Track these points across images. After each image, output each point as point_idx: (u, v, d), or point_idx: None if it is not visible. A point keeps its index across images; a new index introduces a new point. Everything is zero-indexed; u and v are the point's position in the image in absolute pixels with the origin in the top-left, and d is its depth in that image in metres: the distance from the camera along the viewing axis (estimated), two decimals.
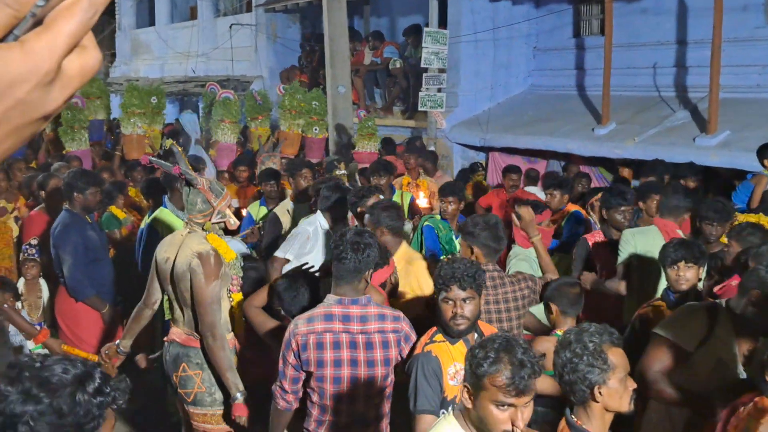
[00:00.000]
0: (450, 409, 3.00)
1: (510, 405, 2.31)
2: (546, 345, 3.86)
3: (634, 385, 2.64)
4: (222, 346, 3.90)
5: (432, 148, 10.93)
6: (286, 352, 3.34)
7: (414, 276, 4.53)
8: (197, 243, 3.96)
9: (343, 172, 7.57)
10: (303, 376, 3.36)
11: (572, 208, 6.58)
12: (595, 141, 9.93)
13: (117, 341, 4.45)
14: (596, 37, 11.31)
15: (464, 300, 3.21)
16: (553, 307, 3.97)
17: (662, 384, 3.29)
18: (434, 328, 3.33)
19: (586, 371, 2.52)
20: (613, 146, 9.64)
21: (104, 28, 23.17)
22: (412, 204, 7.21)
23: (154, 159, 5.18)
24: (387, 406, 3.50)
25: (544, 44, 12.47)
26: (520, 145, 10.91)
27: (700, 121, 9.18)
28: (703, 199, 5.73)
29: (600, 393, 2.53)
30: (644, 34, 10.32)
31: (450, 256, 3.96)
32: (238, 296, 4.25)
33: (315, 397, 3.37)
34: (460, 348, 3.22)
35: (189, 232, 4.05)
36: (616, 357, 2.59)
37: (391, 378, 3.46)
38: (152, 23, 20.28)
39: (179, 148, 4.15)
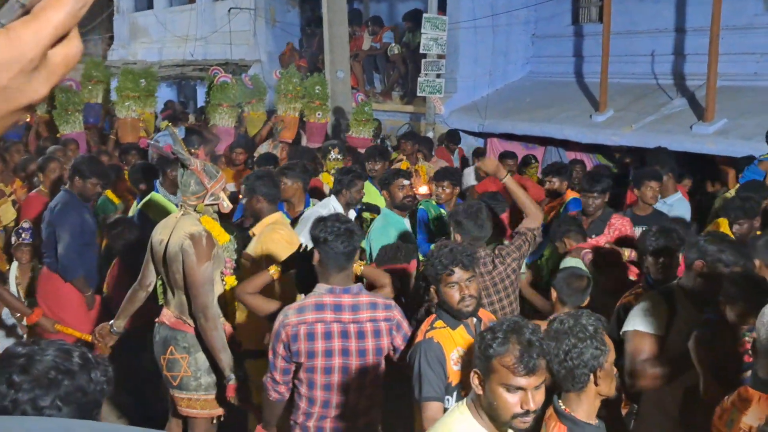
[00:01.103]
0: (461, 400, 3.03)
1: (520, 388, 2.30)
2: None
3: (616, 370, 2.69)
4: (215, 326, 3.88)
5: (430, 134, 10.95)
6: (275, 344, 3.28)
7: (264, 242, 4.50)
8: (190, 224, 3.95)
9: (337, 157, 7.53)
10: (294, 367, 3.32)
11: (571, 195, 6.60)
12: (593, 128, 9.95)
13: (111, 321, 4.45)
14: (594, 24, 11.31)
15: (468, 280, 3.21)
16: (553, 294, 3.95)
17: (650, 371, 3.33)
18: (433, 316, 3.31)
19: (591, 355, 2.54)
20: (611, 133, 9.65)
21: (102, 11, 23.08)
22: None
23: (151, 143, 5.20)
24: (379, 396, 3.46)
25: (543, 31, 12.46)
26: (518, 131, 10.92)
27: (698, 108, 9.19)
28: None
29: (598, 376, 2.57)
30: (642, 21, 10.32)
31: (440, 242, 3.94)
32: (231, 279, 4.26)
33: (303, 389, 3.32)
34: (462, 333, 3.23)
35: (183, 214, 4.05)
36: (607, 339, 2.64)
37: (383, 367, 3.42)
38: (150, 6, 20.17)
39: (174, 129, 4.15)
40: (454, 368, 3.17)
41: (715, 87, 8.83)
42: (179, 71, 16.88)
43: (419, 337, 3.24)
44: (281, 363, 3.29)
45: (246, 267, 4.59)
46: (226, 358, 3.90)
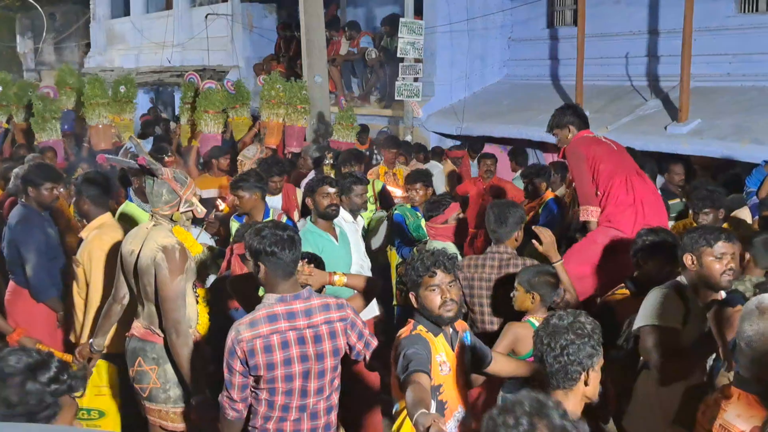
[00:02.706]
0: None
1: None
2: (521, 331, 3.94)
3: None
4: (185, 343, 3.81)
5: (409, 137, 11.01)
6: (231, 360, 3.17)
7: (90, 247, 4.51)
8: (163, 236, 3.87)
9: (329, 162, 7.61)
10: (251, 381, 3.22)
11: (549, 195, 6.69)
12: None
13: (90, 340, 4.35)
14: (569, 27, 11.43)
15: (449, 284, 3.14)
16: (536, 296, 3.97)
17: (673, 364, 3.37)
18: (411, 321, 3.21)
19: (587, 353, 2.55)
20: None
21: (79, 19, 22.96)
22: (384, 191, 7.22)
23: (111, 157, 5.12)
24: (336, 397, 3.41)
25: (519, 35, 12.58)
26: (496, 134, 11.00)
27: (672, 109, 9.31)
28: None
29: (589, 376, 2.58)
30: (616, 24, 10.44)
31: (419, 247, 3.94)
32: (203, 291, 4.18)
33: (263, 395, 3.23)
34: (442, 341, 3.18)
35: (154, 225, 3.95)
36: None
37: (339, 369, 3.38)
38: (127, 13, 20.10)
39: (138, 141, 4.08)
40: (439, 370, 3.11)
41: (689, 88, 8.96)
42: (156, 78, 16.84)
43: (402, 337, 3.14)
44: (239, 379, 3.18)
45: (76, 271, 4.58)
46: (194, 375, 3.83)
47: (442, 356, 3.15)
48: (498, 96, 12.17)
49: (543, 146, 10.49)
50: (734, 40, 9.50)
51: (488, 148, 10.64)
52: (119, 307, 4.19)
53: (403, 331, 3.19)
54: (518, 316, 4.13)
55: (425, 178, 6.39)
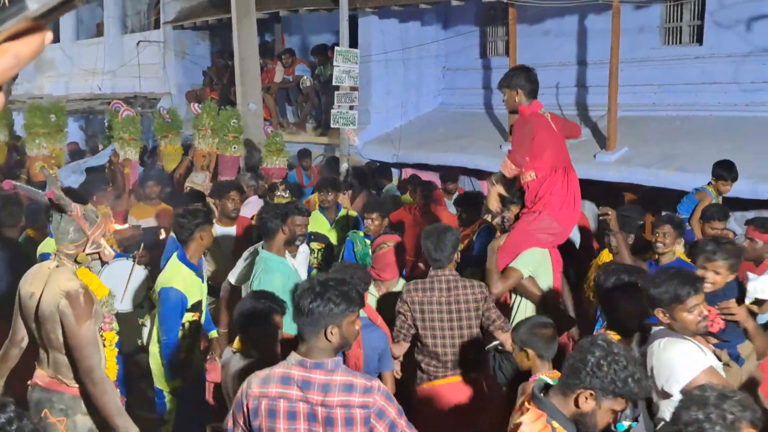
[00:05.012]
0: None
1: None
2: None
3: None
4: (104, 390, 3.54)
5: (345, 165, 11.01)
6: (236, 412, 2.91)
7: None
8: (65, 279, 3.55)
9: (281, 194, 7.56)
10: None
11: (483, 223, 6.73)
12: (503, 157, 10.11)
13: None
14: (501, 57, 11.65)
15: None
16: (530, 352, 3.69)
17: None
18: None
19: (622, 378, 2.48)
20: None
21: None
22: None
23: (18, 184, 4.92)
24: None
25: (453, 64, 12.77)
26: (432, 162, 11.09)
27: (600, 138, 9.55)
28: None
29: (595, 399, 2.53)
30: (546, 55, 10.68)
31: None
32: (111, 335, 3.87)
33: None
34: None
35: (57, 266, 3.62)
36: None
37: None
38: (57, 40, 19.66)
39: (50, 171, 3.87)
40: None
41: (616, 117, 9.21)
42: (87, 105, 16.48)
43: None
44: None
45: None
46: (122, 422, 3.57)
47: None
48: (433, 124, 12.29)
49: (478, 173, 10.61)
50: (659, 71, 9.82)
51: (423, 176, 10.72)
52: (17, 350, 3.85)
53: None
54: (474, 344, 4.25)
55: (382, 208, 6.40)
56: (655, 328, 3.45)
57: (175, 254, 4.89)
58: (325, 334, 2.78)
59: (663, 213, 5.71)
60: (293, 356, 2.83)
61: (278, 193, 7.64)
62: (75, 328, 3.47)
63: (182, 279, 4.71)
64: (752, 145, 8.21)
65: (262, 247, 4.94)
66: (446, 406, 4.34)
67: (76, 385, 3.66)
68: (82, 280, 3.63)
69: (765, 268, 4.81)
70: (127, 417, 3.60)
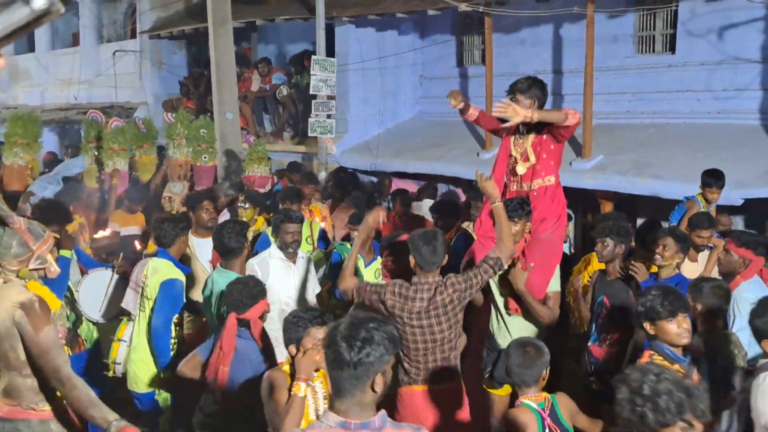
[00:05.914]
0: None
1: None
2: (522, 416, 3.68)
3: None
4: (73, 385, 3.36)
5: (323, 174, 11.00)
6: None
7: None
8: (17, 293, 3.38)
9: (242, 205, 7.43)
10: None
11: (459, 230, 6.76)
12: (480, 165, 10.16)
13: None
14: (478, 66, 11.74)
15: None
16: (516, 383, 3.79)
17: None
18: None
19: (666, 418, 2.46)
20: None
21: None
22: (324, 234, 7.29)
23: None
24: None
25: (430, 73, 12.84)
26: (410, 170, 11.13)
27: (576, 146, 9.62)
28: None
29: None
30: (522, 64, 10.74)
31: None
32: (65, 349, 3.78)
33: None
34: None
35: (4, 282, 3.45)
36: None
37: None
38: (32, 49, 19.52)
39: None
40: None
41: (591, 125, 9.29)
42: (63, 115, 16.34)
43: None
44: None
45: None
46: (98, 413, 3.37)
47: None
48: (411, 132, 12.34)
49: (455, 181, 10.66)
50: (633, 79, 9.94)
51: (402, 184, 10.75)
52: None
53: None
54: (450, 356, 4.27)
55: None
56: (762, 361, 3.48)
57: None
58: (372, 386, 2.31)
59: (638, 220, 5.68)
60: (330, 417, 2.32)
61: (240, 205, 7.44)
62: (34, 337, 3.33)
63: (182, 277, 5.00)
64: (725, 152, 8.32)
65: (221, 266, 4.86)
66: (424, 411, 4.32)
67: (46, 408, 3.51)
68: (33, 291, 3.49)
69: (736, 285, 4.76)
70: (102, 406, 3.38)
